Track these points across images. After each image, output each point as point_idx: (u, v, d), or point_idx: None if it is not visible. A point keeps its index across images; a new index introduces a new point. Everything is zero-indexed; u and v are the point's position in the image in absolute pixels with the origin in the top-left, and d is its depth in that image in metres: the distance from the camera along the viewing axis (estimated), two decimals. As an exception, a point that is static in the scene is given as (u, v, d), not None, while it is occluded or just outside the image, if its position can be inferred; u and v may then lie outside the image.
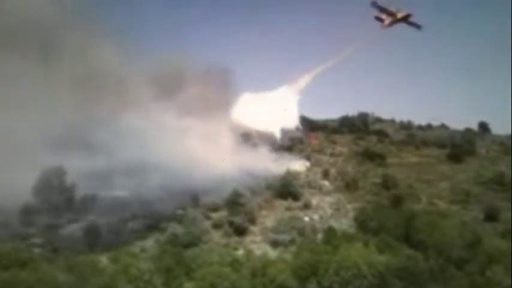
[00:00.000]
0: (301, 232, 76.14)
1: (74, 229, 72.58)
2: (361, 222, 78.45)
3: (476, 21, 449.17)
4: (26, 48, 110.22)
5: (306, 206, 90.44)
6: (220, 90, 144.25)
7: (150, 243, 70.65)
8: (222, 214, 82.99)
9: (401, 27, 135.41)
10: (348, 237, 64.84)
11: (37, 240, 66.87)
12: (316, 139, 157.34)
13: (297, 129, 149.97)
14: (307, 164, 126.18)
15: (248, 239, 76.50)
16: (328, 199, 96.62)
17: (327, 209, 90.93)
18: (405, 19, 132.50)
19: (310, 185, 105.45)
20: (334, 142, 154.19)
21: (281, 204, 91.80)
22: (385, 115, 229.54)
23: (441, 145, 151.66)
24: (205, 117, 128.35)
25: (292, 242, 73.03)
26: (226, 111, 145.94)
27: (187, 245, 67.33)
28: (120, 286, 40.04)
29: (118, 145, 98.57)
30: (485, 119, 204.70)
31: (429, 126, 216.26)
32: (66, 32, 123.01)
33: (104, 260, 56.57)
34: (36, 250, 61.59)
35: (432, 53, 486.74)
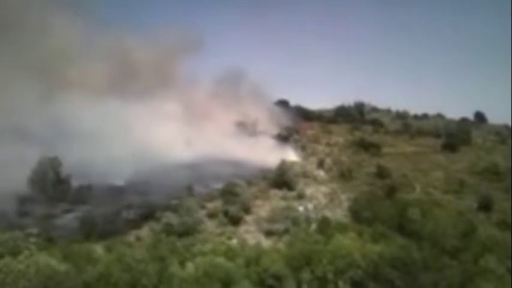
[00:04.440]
0: (295, 222, 76.27)
1: (69, 219, 73.01)
2: (355, 212, 78.61)
3: (475, 10, 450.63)
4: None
5: (301, 196, 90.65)
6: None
7: (145, 232, 71.02)
8: (217, 204, 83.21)
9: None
10: (341, 227, 65.01)
11: (33, 230, 67.07)
12: (311, 129, 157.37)
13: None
14: (303, 153, 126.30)
15: (242, 228, 76.74)
16: (323, 189, 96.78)
17: (321, 199, 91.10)
18: None
19: (305, 174, 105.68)
20: (329, 132, 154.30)
21: (276, 194, 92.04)
22: (382, 104, 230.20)
23: (437, 135, 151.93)
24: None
25: (286, 231, 73.24)
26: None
27: (182, 234, 67.62)
28: (115, 274, 40.18)
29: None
30: (481, 108, 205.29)
31: (425, 116, 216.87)
32: (23, 10, 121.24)
33: (99, 249, 56.70)
34: (32, 239, 61.81)
35: (429, 43, 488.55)
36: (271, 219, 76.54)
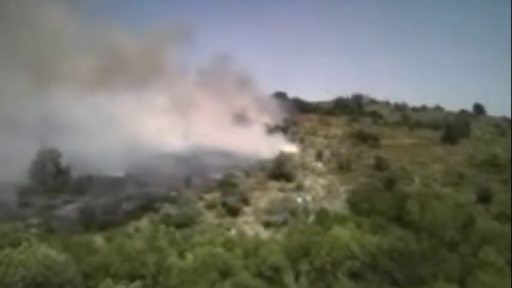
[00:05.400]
0: (293, 213, 76.54)
1: (69, 210, 73.11)
2: (354, 204, 78.60)
3: (474, 2, 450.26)
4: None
5: (299, 188, 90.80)
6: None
7: (144, 223, 71.13)
8: (215, 195, 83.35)
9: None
10: (340, 219, 65.08)
11: (33, 220, 67.23)
12: (309, 121, 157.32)
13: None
14: (301, 145, 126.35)
15: (241, 219, 76.90)
16: (321, 181, 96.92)
17: (319, 191, 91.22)
18: None
19: (303, 166, 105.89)
20: (328, 124, 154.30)
21: (274, 185, 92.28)
22: (380, 97, 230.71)
23: (435, 127, 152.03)
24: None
25: (284, 223, 73.51)
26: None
27: (181, 225, 67.75)
28: (115, 265, 40.33)
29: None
30: (480, 100, 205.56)
31: (424, 108, 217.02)
32: (14, 3, 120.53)
33: (98, 239, 56.96)
34: (33, 230, 61.91)
35: (428, 35, 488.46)
36: (270, 211, 76.65)
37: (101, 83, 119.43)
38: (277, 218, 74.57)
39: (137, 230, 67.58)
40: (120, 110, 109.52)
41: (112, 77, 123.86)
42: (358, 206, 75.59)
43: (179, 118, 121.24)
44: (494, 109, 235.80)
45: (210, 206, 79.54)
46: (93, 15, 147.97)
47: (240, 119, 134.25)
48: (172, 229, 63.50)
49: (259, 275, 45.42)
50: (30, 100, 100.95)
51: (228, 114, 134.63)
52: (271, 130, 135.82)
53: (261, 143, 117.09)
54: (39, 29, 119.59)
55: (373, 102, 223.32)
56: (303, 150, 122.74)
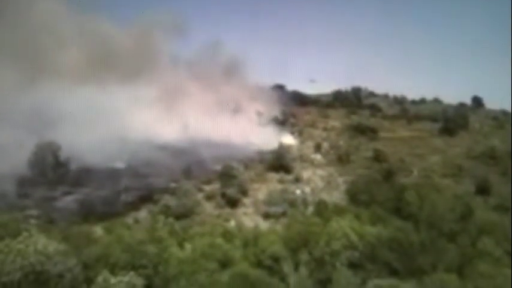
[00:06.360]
0: (292, 204, 76.70)
1: (68, 201, 73.16)
2: (353, 195, 78.70)
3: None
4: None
5: (298, 179, 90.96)
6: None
7: (143, 214, 71.26)
8: (215, 186, 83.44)
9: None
10: (338, 210, 65.17)
11: (33, 212, 67.30)
12: (308, 114, 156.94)
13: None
14: (300, 137, 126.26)
15: (240, 210, 77.18)
16: (320, 172, 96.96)
17: (318, 182, 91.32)
18: None
19: (302, 158, 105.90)
20: (327, 116, 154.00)
21: (273, 177, 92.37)
22: (379, 90, 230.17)
23: (434, 119, 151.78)
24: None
25: (283, 214, 73.71)
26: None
27: (180, 216, 67.86)
28: (114, 255, 40.31)
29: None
30: (479, 93, 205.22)
31: (423, 101, 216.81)
32: None
33: (98, 230, 57.10)
34: (32, 221, 61.96)
35: (426, 28, 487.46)
36: (269, 202, 76.84)
37: (93, 76, 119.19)
38: (276, 209, 74.80)
39: (136, 221, 67.86)
40: (113, 103, 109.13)
41: (104, 70, 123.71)
42: (357, 198, 75.73)
43: (173, 110, 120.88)
44: (493, 102, 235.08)
45: (209, 197, 79.81)
46: (84, 9, 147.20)
47: (236, 110, 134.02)
48: (171, 220, 63.58)
49: (258, 264, 45.52)
50: (23, 93, 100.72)
51: (223, 105, 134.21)
52: (268, 121, 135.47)
53: (257, 134, 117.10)
54: (31, 23, 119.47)
55: (372, 95, 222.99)
56: (302, 142, 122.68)
